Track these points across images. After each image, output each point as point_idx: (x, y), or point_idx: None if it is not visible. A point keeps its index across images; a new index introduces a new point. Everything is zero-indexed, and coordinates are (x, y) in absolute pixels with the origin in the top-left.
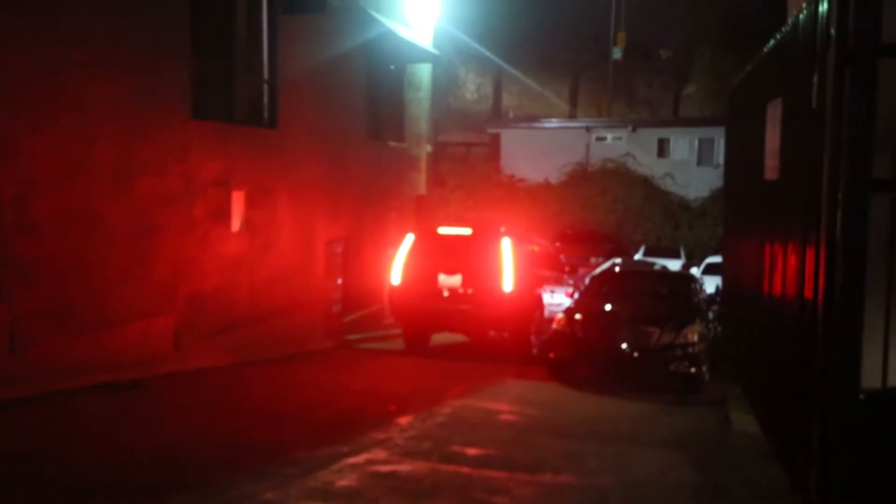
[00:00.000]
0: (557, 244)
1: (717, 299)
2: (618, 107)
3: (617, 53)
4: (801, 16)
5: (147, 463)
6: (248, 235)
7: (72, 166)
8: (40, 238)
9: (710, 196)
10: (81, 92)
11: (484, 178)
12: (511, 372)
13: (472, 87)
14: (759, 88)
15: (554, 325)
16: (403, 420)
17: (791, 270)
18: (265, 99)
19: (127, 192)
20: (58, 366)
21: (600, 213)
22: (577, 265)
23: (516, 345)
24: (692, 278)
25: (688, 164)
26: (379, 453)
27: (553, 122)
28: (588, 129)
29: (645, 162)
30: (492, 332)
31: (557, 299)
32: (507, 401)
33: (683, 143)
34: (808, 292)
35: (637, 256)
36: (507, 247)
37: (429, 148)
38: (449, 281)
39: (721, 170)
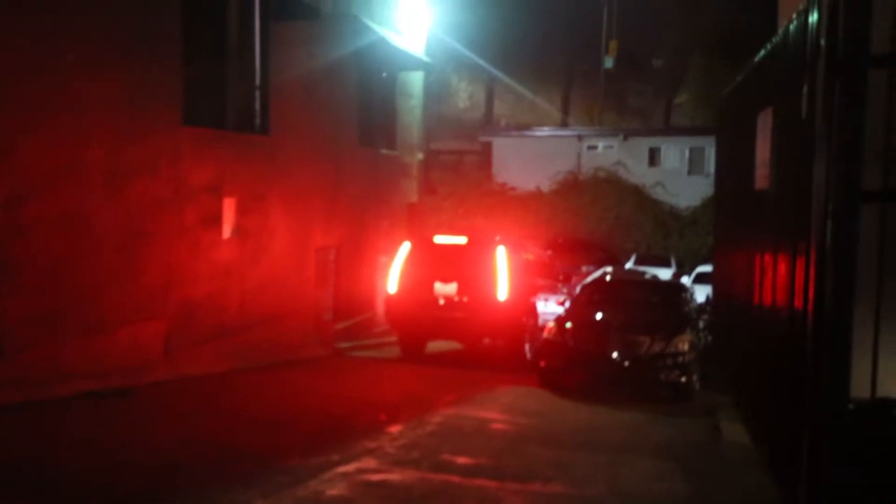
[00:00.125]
0: (549, 252)
1: (708, 308)
2: (609, 115)
3: (609, 62)
4: (791, 26)
5: (135, 471)
6: (240, 242)
7: (62, 170)
8: (29, 242)
9: (700, 205)
10: (73, 96)
11: (475, 185)
12: (504, 380)
13: (464, 95)
14: (749, 98)
15: (545, 334)
16: (394, 428)
17: (781, 280)
18: (257, 105)
19: (118, 197)
20: (46, 372)
21: (591, 222)
22: (570, 273)
23: (511, 352)
24: (683, 287)
25: (679, 173)
26: (369, 462)
27: (545, 131)
28: (580, 137)
29: (636, 171)
30: (487, 340)
31: (551, 307)
32: (498, 409)
33: (674, 153)
34: (798, 302)
35: (628, 265)
36: (502, 255)
37: (420, 155)
38: (445, 289)
39: (712, 179)
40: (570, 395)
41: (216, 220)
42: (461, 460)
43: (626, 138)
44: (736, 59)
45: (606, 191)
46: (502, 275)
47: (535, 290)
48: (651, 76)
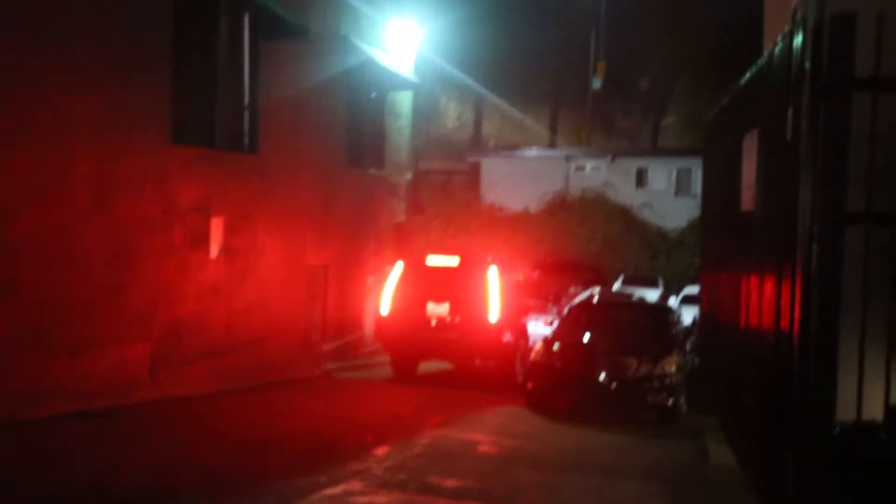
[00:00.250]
0: (536, 273)
1: (695, 330)
2: (597, 136)
3: (597, 83)
4: (776, 49)
5: (119, 492)
6: (228, 261)
7: (49, 188)
8: (14, 260)
9: (687, 226)
10: (60, 114)
11: (464, 206)
12: (493, 401)
13: (453, 116)
14: (735, 120)
15: (532, 356)
16: (381, 450)
17: (767, 302)
18: (246, 124)
19: (105, 216)
20: (32, 391)
21: (579, 242)
22: (560, 294)
23: (502, 373)
24: (669, 309)
25: (666, 195)
26: (356, 484)
27: (533, 151)
28: (568, 158)
29: (624, 191)
30: (478, 361)
31: (541, 328)
32: (485, 431)
33: (662, 174)
34: (784, 324)
35: (616, 286)
36: (493, 276)
37: (409, 175)
38: (437, 310)
39: (699, 200)
40: (558, 417)
41: (204, 240)
42: (448, 482)
43: (613, 159)
44: (721, 82)
45: (594, 211)
46: (494, 296)
47: (526, 311)
48: (638, 98)
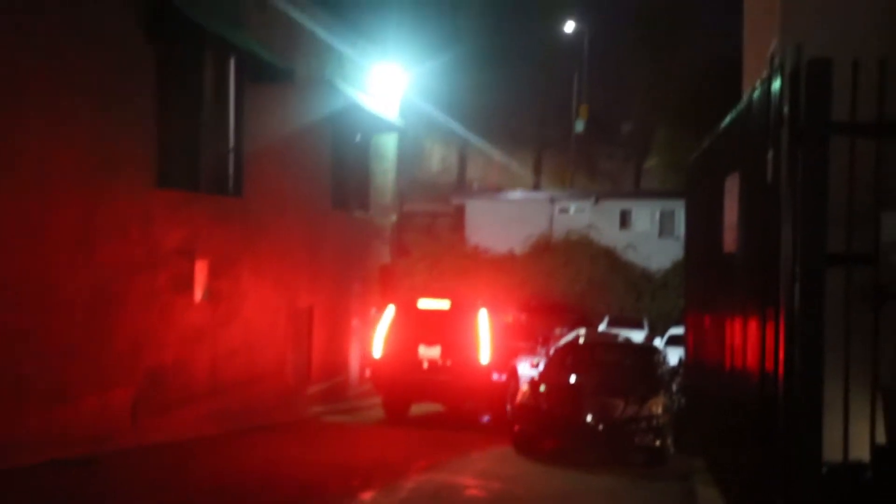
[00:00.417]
0: (525, 315)
1: (681, 371)
2: (580, 179)
3: (580, 126)
4: (755, 94)
5: None
6: (212, 305)
7: (29, 231)
8: None
9: (672, 267)
10: (42, 158)
11: (449, 248)
12: (481, 443)
13: (437, 158)
14: (717, 163)
15: (518, 398)
16: (366, 495)
17: (751, 343)
18: (231, 167)
19: (86, 259)
20: (8, 440)
21: (564, 284)
22: (549, 336)
23: (492, 414)
24: (655, 350)
25: (650, 236)
26: None
27: (517, 194)
28: (552, 200)
29: (608, 233)
30: (469, 403)
31: (529, 370)
32: (472, 474)
33: (645, 215)
34: (769, 365)
35: (601, 327)
36: (484, 319)
37: (394, 218)
38: (429, 352)
39: (682, 241)
40: (545, 460)
41: (188, 284)
42: None
43: (597, 201)
44: (702, 125)
45: (578, 253)
46: (484, 338)
47: (516, 353)
48: (621, 141)
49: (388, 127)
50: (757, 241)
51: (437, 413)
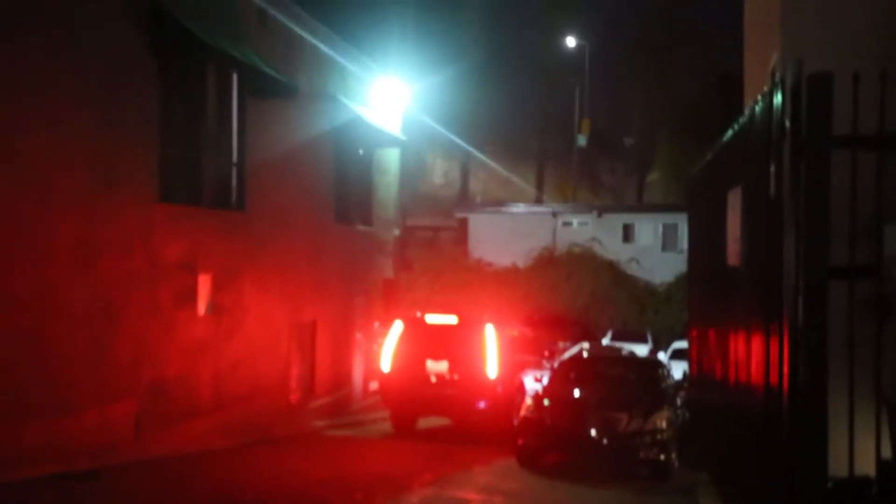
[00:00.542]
0: (531, 329)
1: (685, 385)
2: (583, 192)
3: (582, 140)
4: (756, 107)
5: None
6: (214, 319)
7: (31, 245)
8: None
9: (675, 281)
10: (44, 172)
11: (451, 262)
12: (485, 457)
13: (440, 172)
14: (719, 176)
15: (522, 412)
16: None
17: (755, 357)
18: (233, 181)
19: (89, 273)
20: (9, 454)
21: (567, 297)
22: (555, 349)
23: (499, 428)
24: (659, 363)
25: (653, 249)
26: None
27: (520, 207)
28: (554, 214)
29: (610, 247)
30: (476, 416)
31: (532, 383)
32: (476, 489)
33: (648, 229)
34: (773, 379)
35: (605, 341)
36: (490, 334)
37: (396, 232)
38: (436, 367)
39: (685, 255)
40: (549, 474)
41: (191, 297)
42: None
43: (600, 215)
44: (704, 139)
45: (582, 267)
46: (491, 353)
47: (523, 367)
48: (623, 154)
49: (391, 141)
50: (760, 255)
51: (442, 427)
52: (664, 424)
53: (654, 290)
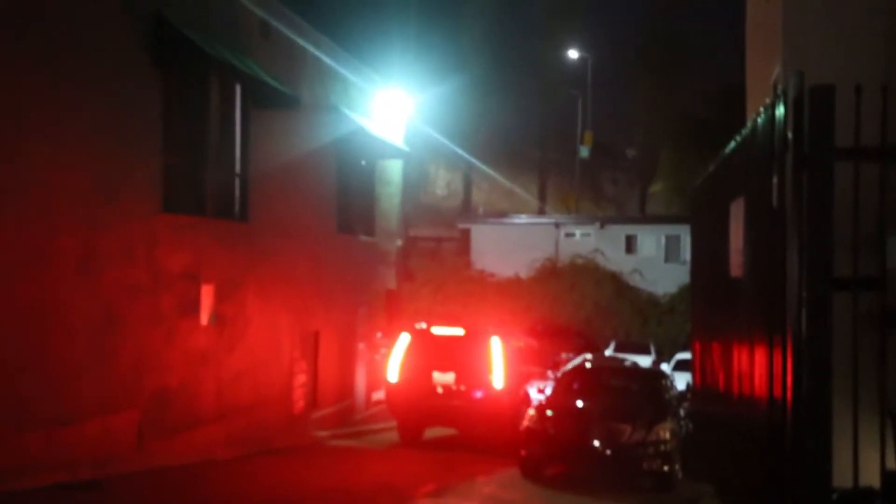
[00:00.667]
0: (536, 340)
1: (688, 396)
2: (585, 204)
3: (584, 152)
4: (759, 119)
5: None
6: (217, 329)
7: (33, 254)
8: None
9: (678, 292)
10: (47, 181)
11: (454, 272)
12: (488, 467)
13: (442, 183)
14: (722, 188)
15: (525, 422)
16: None
17: (758, 368)
18: (237, 192)
19: (91, 282)
20: (11, 464)
21: (570, 309)
22: (560, 361)
23: (505, 438)
24: (663, 375)
25: (655, 261)
26: None
27: (522, 218)
28: (557, 225)
29: (613, 258)
30: (482, 427)
31: (535, 394)
32: (478, 499)
33: (651, 240)
34: (777, 390)
35: (607, 352)
36: (497, 345)
37: (399, 242)
38: (443, 378)
39: (688, 266)
40: (552, 484)
41: (193, 307)
42: None
43: (602, 226)
44: (706, 150)
45: (584, 278)
46: (497, 364)
47: (528, 378)
48: (625, 165)
49: (394, 152)
50: (763, 266)
51: (448, 437)
52: (667, 435)
53: (657, 302)
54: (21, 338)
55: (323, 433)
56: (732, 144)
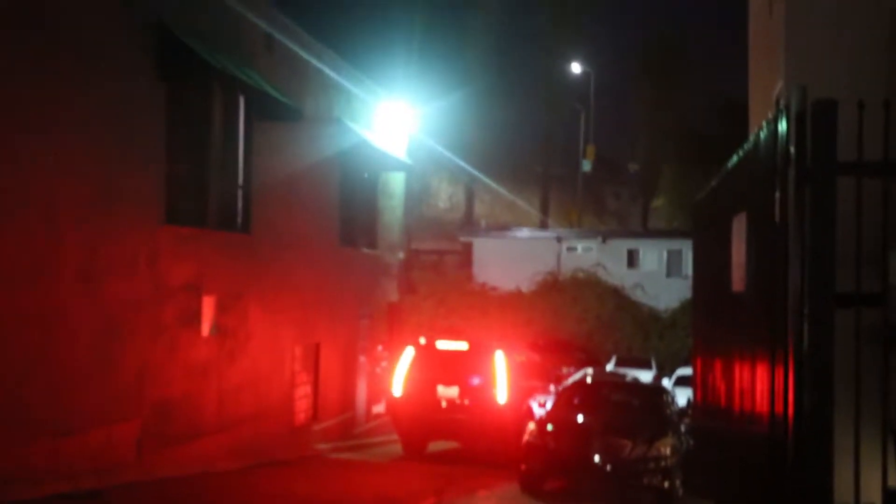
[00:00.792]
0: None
1: (689, 411)
2: (588, 217)
3: (586, 166)
4: (761, 134)
5: None
6: (218, 340)
7: (36, 266)
8: None
9: (680, 307)
10: (51, 191)
11: (456, 285)
12: (493, 479)
13: (445, 196)
14: (723, 202)
15: (526, 437)
16: None
17: (760, 384)
18: (239, 204)
19: (93, 294)
20: (13, 473)
21: (571, 323)
22: (563, 375)
23: (508, 453)
24: (663, 390)
25: (657, 275)
26: None
27: (525, 232)
28: (559, 239)
29: (615, 272)
30: (486, 441)
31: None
32: None
33: (653, 255)
34: (778, 406)
35: (609, 367)
36: (500, 360)
37: (401, 255)
38: (447, 392)
39: (690, 281)
40: (552, 499)
41: (195, 319)
42: None
43: (604, 240)
44: (708, 165)
45: (586, 292)
46: (501, 379)
47: (531, 392)
48: (627, 180)
49: (396, 165)
50: (765, 281)
51: (449, 450)
52: (668, 451)
53: (659, 316)
54: (24, 348)
55: (324, 446)
56: (734, 159)
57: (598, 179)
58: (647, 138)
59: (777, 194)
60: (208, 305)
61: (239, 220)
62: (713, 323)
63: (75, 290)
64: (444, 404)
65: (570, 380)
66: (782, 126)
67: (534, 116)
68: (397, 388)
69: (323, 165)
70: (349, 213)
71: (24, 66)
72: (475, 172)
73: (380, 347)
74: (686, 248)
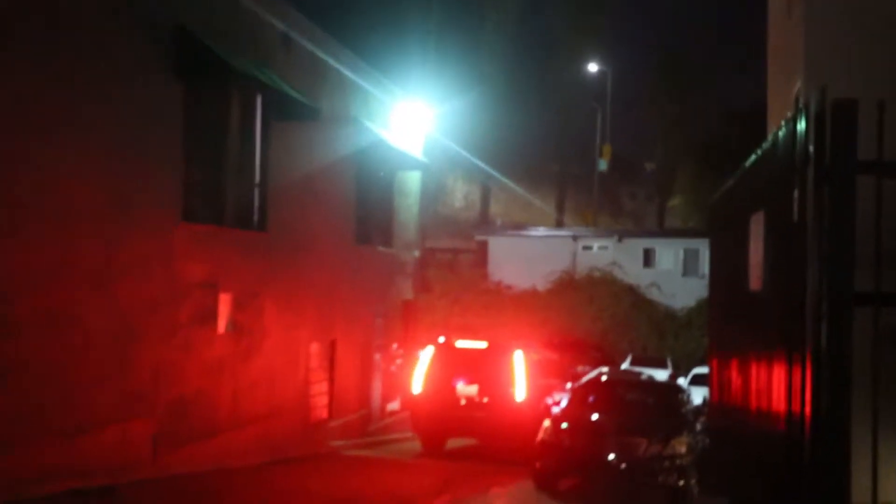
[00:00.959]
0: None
1: (705, 410)
2: (603, 217)
3: (602, 165)
4: (780, 133)
5: None
6: (234, 338)
7: (53, 266)
8: (17, 340)
9: (696, 306)
10: (69, 191)
11: (471, 284)
12: (508, 476)
13: (460, 195)
14: (741, 202)
15: (540, 435)
16: None
17: (777, 383)
18: (256, 202)
19: (110, 293)
20: (30, 470)
21: (586, 321)
22: (580, 374)
23: (525, 451)
24: (679, 389)
25: (673, 275)
26: None
27: (540, 231)
28: (575, 238)
29: (631, 271)
30: (504, 439)
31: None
32: None
33: (669, 254)
34: (795, 406)
35: (624, 365)
36: (519, 359)
37: (416, 253)
38: (466, 390)
39: (706, 280)
40: (566, 497)
41: (211, 317)
42: None
43: (620, 239)
44: (725, 165)
45: (601, 291)
46: (519, 377)
47: (549, 390)
48: (644, 179)
49: (412, 164)
50: (782, 280)
51: (466, 447)
52: (683, 450)
53: (675, 316)
54: (41, 346)
55: (339, 443)
56: (753, 158)
57: (615, 179)
58: (663, 138)
59: (796, 193)
60: (224, 303)
61: (255, 218)
62: (729, 322)
63: (92, 288)
64: (463, 402)
65: (585, 378)
66: (801, 125)
67: (550, 115)
68: (417, 385)
69: (339, 164)
70: (365, 212)
71: (41, 66)
72: (491, 171)
73: (395, 345)
74: (702, 248)
